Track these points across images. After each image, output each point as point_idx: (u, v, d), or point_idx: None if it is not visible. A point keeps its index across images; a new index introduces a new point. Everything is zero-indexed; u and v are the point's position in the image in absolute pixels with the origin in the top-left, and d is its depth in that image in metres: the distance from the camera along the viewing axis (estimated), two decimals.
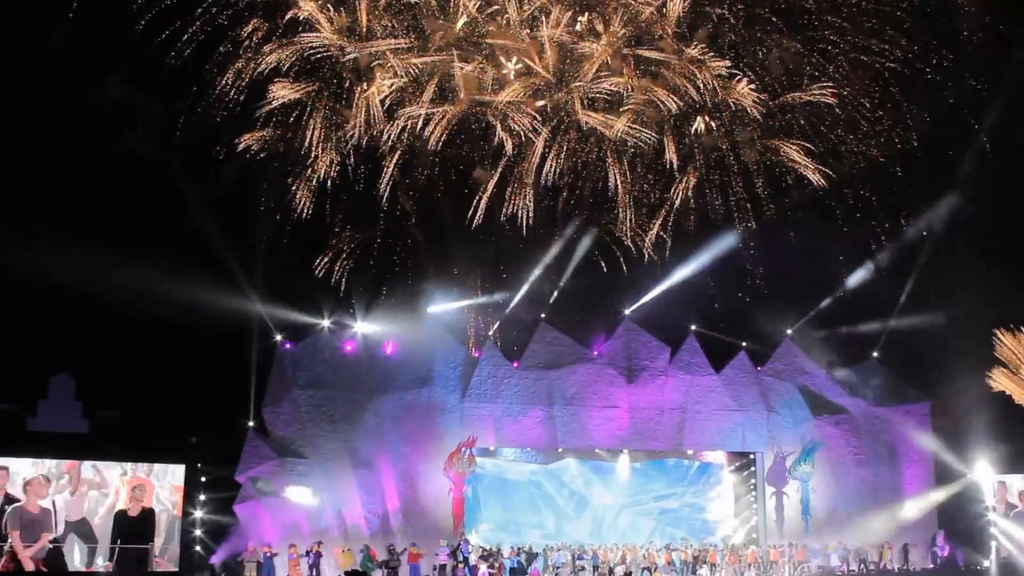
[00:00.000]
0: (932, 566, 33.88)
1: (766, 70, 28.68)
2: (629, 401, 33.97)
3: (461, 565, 30.04)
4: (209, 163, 28.08)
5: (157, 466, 28.06)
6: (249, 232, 29.31)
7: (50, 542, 25.85)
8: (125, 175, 27.26)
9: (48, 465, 26.52)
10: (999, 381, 32.10)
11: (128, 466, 27.59)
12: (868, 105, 29.18)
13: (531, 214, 29.96)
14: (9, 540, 25.14)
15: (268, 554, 28.64)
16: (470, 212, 30.10)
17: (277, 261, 29.85)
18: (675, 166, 29.50)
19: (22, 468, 26.24)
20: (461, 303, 32.98)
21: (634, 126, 28.34)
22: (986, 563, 33.50)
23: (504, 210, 29.80)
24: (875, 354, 36.23)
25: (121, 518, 27.15)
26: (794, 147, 29.63)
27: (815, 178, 29.79)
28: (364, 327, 31.69)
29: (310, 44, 26.50)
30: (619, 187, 29.98)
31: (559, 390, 33.31)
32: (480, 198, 29.82)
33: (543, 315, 33.64)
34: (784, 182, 30.57)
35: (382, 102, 27.37)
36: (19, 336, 27.92)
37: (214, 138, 27.24)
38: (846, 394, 35.81)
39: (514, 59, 26.65)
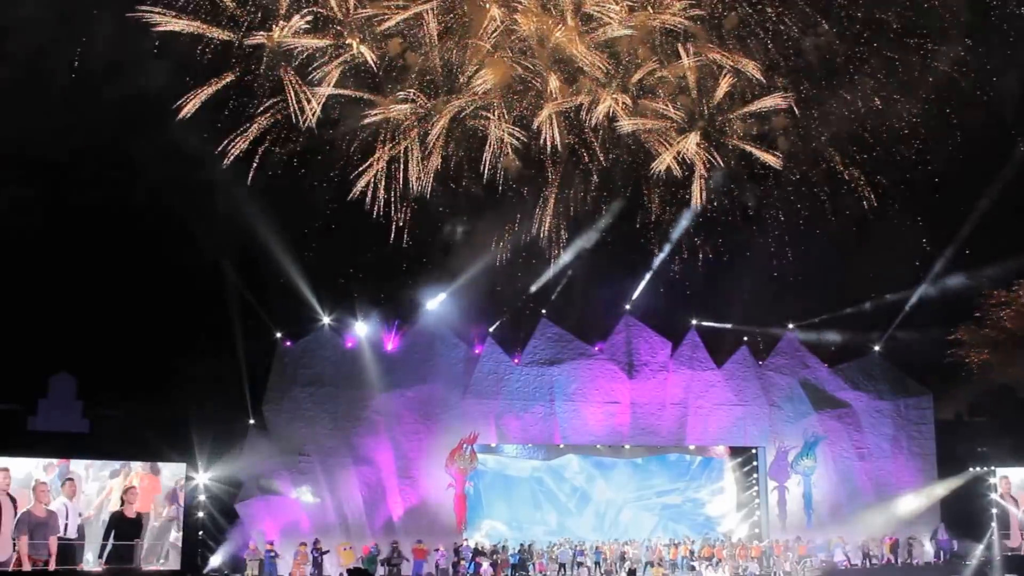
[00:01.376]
0: (934, 560, 33.90)
1: (805, 65, 27.99)
2: (630, 396, 33.95)
3: (463, 562, 30.06)
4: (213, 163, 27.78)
5: (158, 465, 28.01)
6: (251, 232, 29.14)
7: (60, 539, 25.88)
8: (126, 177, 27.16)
9: (53, 467, 26.56)
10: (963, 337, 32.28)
11: (127, 465, 27.55)
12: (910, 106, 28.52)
13: (562, 234, 29.67)
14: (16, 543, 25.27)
15: (270, 552, 28.62)
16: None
17: (280, 259, 29.74)
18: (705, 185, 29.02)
19: (25, 468, 26.22)
20: (462, 298, 32.89)
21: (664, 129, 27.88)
22: (977, 553, 33.46)
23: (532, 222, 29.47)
24: (877, 348, 36.21)
25: (117, 519, 27.10)
26: (838, 156, 29.14)
27: (864, 193, 29.34)
28: (365, 324, 31.66)
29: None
30: (652, 203, 29.67)
31: (560, 386, 33.29)
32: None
33: (543, 311, 33.62)
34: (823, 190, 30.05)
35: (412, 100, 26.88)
36: (19, 335, 27.85)
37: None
38: (848, 388, 35.79)
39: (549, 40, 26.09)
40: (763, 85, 27.77)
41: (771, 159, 28.62)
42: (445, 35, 26.06)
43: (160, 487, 27.96)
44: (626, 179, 29.65)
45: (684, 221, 31.19)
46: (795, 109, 28.21)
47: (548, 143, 27.44)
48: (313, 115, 25.88)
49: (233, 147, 26.23)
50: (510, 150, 27.42)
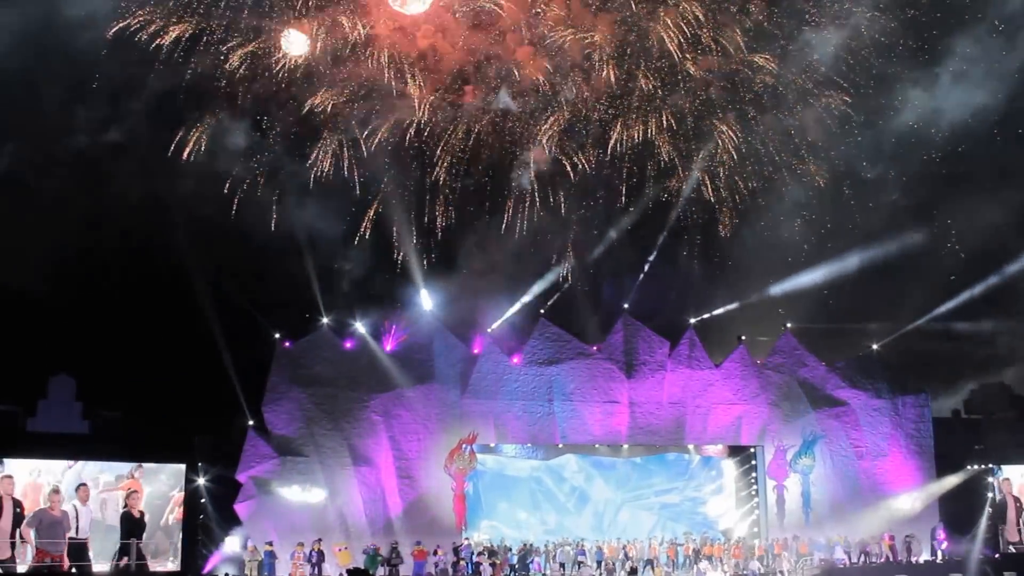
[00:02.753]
0: (932, 558, 33.94)
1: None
2: (629, 396, 33.96)
3: (463, 562, 30.07)
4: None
5: (157, 466, 28.01)
6: (252, 232, 29.20)
7: (70, 539, 26.00)
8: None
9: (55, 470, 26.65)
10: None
11: (127, 466, 27.57)
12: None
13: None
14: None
15: (269, 552, 28.62)
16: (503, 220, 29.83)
17: (280, 260, 29.79)
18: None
19: (25, 473, 26.27)
20: (461, 298, 32.95)
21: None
22: (976, 551, 33.46)
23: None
24: (875, 346, 36.27)
25: (126, 519, 27.16)
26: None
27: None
28: (364, 324, 31.68)
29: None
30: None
31: (559, 386, 33.31)
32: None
33: (542, 311, 33.66)
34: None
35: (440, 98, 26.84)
36: (19, 336, 27.87)
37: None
38: (846, 387, 35.84)
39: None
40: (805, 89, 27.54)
41: (818, 175, 28.43)
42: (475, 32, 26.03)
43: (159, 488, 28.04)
44: (642, 187, 29.62)
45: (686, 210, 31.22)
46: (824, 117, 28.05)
47: (571, 152, 27.52)
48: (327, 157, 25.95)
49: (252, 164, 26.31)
50: (530, 155, 27.46)
